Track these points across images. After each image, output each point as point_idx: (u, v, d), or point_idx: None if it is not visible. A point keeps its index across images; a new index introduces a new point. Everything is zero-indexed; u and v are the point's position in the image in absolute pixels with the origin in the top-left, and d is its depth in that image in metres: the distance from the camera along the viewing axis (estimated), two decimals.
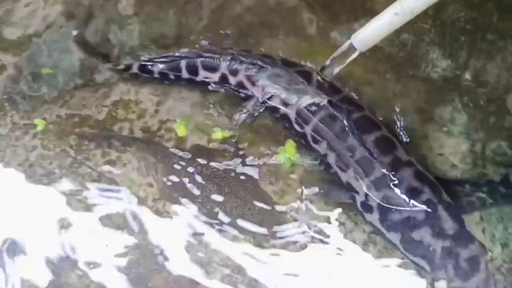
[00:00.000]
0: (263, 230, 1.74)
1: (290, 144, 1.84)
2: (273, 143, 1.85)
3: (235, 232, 1.74)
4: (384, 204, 1.57)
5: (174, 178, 1.84)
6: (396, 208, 1.55)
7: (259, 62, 1.83)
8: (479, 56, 1.99)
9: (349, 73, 1.96)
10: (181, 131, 1.91)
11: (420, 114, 1.90)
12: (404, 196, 1.55)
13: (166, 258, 1.71)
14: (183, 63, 1.93)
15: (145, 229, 1.76)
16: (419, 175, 1.59)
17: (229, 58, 1.86)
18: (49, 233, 1.76)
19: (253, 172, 1.83)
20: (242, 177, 1.82)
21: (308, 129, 1.74)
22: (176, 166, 1.86)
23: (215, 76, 1.90)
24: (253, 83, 1.84)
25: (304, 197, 1.78)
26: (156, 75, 1.98)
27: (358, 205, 1.65)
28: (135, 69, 1.99)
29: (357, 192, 1.64)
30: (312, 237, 1.73)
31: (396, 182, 1.57)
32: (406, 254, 1.57)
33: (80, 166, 1.86)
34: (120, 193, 1.82)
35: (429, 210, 1.52)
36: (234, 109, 1.92)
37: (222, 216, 1.76)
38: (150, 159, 1.88)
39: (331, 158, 1.70)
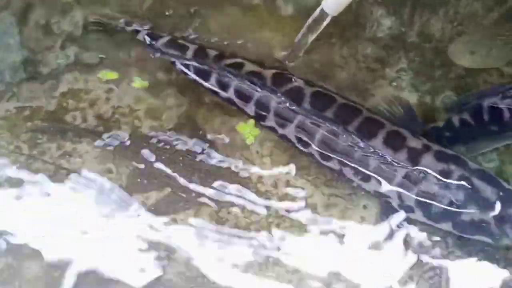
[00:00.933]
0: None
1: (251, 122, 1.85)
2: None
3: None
4: (422, 200, 1.56)
5: (135, 164, 1.83)
6: (435, 199, 1.54)
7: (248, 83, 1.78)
8: (423, 11, 2.01)
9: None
10: (137, 84, 1.95)
11: (370, 73, 1.92)
12: (437, 185, 1.53)
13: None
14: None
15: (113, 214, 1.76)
16: (440, 156, 1.56)
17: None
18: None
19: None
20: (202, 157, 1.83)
21: (313, 149, 1.69)
22: (134, 152, 1.84)
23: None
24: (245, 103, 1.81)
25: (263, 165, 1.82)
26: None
27: (397, 208, 1.63)
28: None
29: (389, 197, 1.62)
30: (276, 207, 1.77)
31: (423, 174, 1.55)
32: (465, 236, 1.58)
33: (35, 161, 1.84)
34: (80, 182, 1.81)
35: (466, 186, 1.51)
36: None
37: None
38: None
39: (348, 173, 1.65)
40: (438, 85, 1.89)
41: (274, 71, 1.80)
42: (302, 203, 1.75)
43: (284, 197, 1.77)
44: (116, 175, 1.82)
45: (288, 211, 1.74)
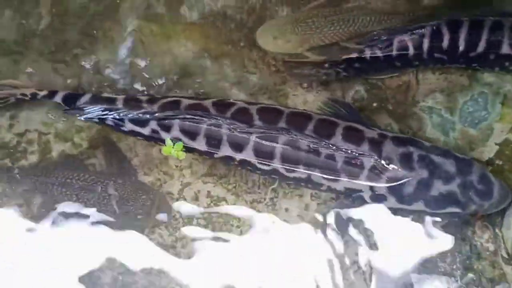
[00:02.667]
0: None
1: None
2: None
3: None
4: (392, 185, 1.58)
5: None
6: (404, 181, 1.58)
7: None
8: None
9: (203, 49, 1.95)
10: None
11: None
12: (402, 169, 1.57)
13: None
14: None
15: None
16: (397, 141, 1.62)
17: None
18: None
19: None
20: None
21: (276, 165, 1.65)
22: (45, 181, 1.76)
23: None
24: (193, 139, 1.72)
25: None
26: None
27: (369, 200, 1.65)
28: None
29: (360, 191, 1.63)
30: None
31: (387, 162, 1.58)
32: (436, 213, 1.62)
33: None
34: None
35: (427, 165, 1.57)
36: None
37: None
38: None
39: (315, 177, 1.63)
40: None
41: (212, 100, 1.74)
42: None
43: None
44: None
45: None
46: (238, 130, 1.64)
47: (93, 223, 1.72)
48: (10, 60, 1.94)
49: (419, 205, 1.60)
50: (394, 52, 1.81)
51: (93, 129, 1.85)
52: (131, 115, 1.73)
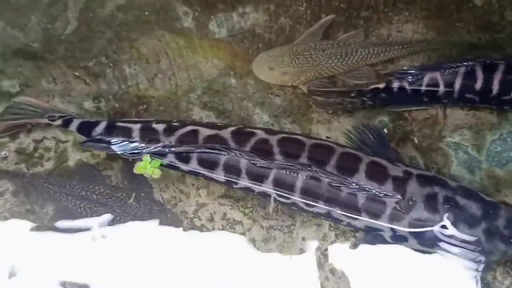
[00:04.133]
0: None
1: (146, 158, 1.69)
2: None
3: None
4: (415, 229, 1.52)
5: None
6: (427, 225, 1.52)
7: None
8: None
9: (229, 66, 1.92)
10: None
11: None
12: (426, 210, 1.51)
13: None
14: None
15: None
16: (422, 180, 1.55)
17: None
18: None
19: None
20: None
21: (296, 199, 1.59)
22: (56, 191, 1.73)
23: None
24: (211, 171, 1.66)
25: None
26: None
27: (389, 240, 1.58)
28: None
29: (381, 230, 1.56)
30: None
31: (411, 203, 1.52)
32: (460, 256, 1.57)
33: None
34: None
35: (453, 207, 1.51)
36: None
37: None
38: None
39: (336, 214, 1.57)
40: None
41: (230, 129, 1.66)
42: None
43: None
44: None
45: None
46: (258, 165, 1.58)
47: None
48: (34, 65, 1.92)
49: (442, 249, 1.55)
50: (423, 88, 1.77)
51: None
52: (149, 149, 1.67)
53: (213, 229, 1.73)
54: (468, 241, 1.52)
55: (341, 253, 1.68)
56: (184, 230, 1.71)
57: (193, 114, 1.88)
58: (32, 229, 1.70)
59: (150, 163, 1.65)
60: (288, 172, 1.57)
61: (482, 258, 1.56)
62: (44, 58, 1.94)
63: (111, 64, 1.93)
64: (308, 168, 1.55)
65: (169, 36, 1.97)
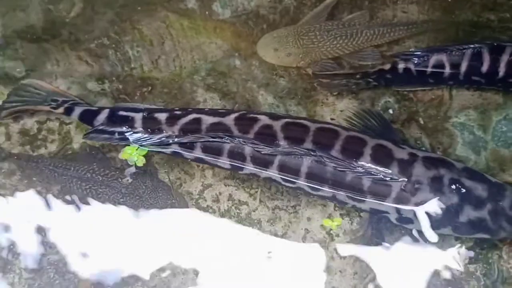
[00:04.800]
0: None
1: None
2: None
3: None
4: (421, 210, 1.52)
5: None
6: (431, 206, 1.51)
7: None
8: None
9: (234, 47, 1.91)
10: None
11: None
12: (432, 193, 1.51)
13: None
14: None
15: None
16: (428, 163, 1.54)
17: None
18: None
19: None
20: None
21: (302, 183, 1.58)
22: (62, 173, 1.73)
23: None
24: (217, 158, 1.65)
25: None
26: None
27: (395, 222, 1.58)
28: None
29: (387, 212, 1.57)
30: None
31: (417, 186, 1.51)
32: (464, 237, 1.58)
33: None
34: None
35: (458, 189, 1.51)
36: None
37: None
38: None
39: (342, 197, 1.56)
40: None
41: (233, 115, 1.64)
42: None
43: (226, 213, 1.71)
44: None
45: None
46: (262, 152, 1.56)
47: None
48: (38, 47, 1.91)
49: (447, 230, 1.55)
50: (429, 69, 1.76)
51: None
52: (152, 140, 1.65)
53: (219, 210, 1.73)
54: (474, 222, 1.52)
55: (345, 233, 1.69)
56: (190, 210, 1.71)
57: (197, 96, 1.87)
58: (37, 210, 1.70)
59: (136, 149, 1.65)
60: (293, 157, 1.55)
61: (488, 238, 1.57)
62: (47, 40, 1.92)
63: (113, 46, 1.92)
64: (313, 153, 1.54)
65: (173, 17, 1.95)
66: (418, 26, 1.87)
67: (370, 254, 1.65)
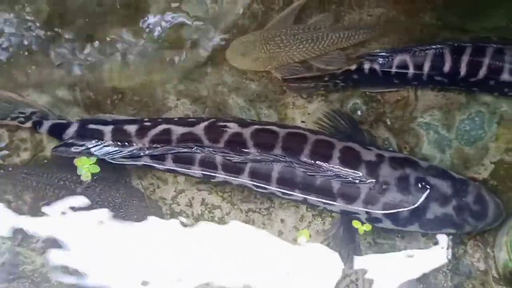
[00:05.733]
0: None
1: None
2: None
3: None
4: (388, 210, 1.56)
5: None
6: (400, 206, 1.56)
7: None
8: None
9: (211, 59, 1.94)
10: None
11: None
12: (399, 192, 1.56)
13: None
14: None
15: None
16: (394, 163, 1.59)
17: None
18: None
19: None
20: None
21: (273, 189, 1.62)
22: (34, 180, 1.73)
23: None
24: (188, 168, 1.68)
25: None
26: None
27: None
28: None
29: (357, 213, 1.60)
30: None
31: (384, 186, 1.56)
32: (432, 233, 1.63)
33: None
34: None
35: (424, 187, 1.56)
36: None
37: None
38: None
39: (313, 201, 1.61)
40: None
41: (203, 124, 1.66)
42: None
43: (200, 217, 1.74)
44: None
45: None
46: (233, 161, 1.59)
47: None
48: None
49: (414, 227, 1.60)
50: (393, 70, 1.81)
51: None
52: (122, 154, 1.66)
53: (192, 214, 1.75)
54: (440, 218, 1.58)
55: (318, 233, 1.73)
56: (163, 216, 1.73)
57: (168, 102, 1.88)
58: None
59: (87, 165, 1.66)
60: (263, 164, 1.59)
61: (453, 233, 1.63)
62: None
63: (84, 53, 1.91)
64: (282, 159, 1.57)
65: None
66: (381, 28, 1.92)
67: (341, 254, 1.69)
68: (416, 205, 1.56)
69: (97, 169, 1.67)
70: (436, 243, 1.69)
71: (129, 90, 1.89)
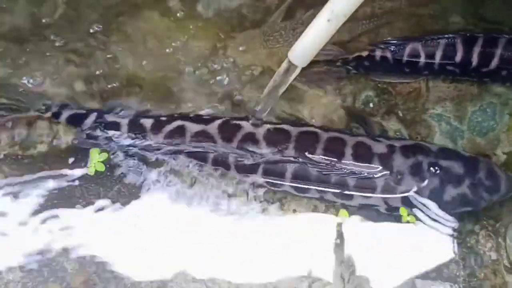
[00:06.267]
0: None
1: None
2: None
3: None
4: (409, 198, 1.61)
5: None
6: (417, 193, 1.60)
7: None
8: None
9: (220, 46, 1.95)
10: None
11: None
12: (414, 180, 1.60)
13: None
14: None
15: None
16: (405, 152, 1.63)
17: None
18: None
19: None
20: None
21: (287, 186, 1.67)
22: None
23: None
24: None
25: None
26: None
27: (385, 211, 1.67)
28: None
29: (377, 205, 1.65)
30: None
31: (399, 176, 1.59)
32: (453, 213, 1.65)
33: None
34: None
35: (437, 172, 1.60)
36: None
37: None
38: None
39: (330, 197, 1.66)
40: None
41: (217, 122, 1.70)
42: None
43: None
44: None
45: None
46: (247, 162, 1.63)
47: None
48: (24, 50, 1.92)
49: (432, 212, 1.63)
50: (405, 58, 1.83)
51: None
52: (138, 147, 1.70)
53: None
54: (457, 198, 1.61)
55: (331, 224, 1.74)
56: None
57: (182, 94, 1.90)
58: None
59: (99, 154, 1.70)
60: (277, 165, 1.63)
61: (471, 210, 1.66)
62: (32, 41, 1.93)
63: (100, 46, 1.94)
64: (297, 161, 1.61)
65: (157, 17, 1.98)
66: (380, 19, 1.92)
67: (355, 242, 1.71)
68: (432, 190, 1.59)
69: (102, 167, 1.71)
70: (448, 233, 1.70)
71: (145, 82, 1.92)
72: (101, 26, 1.96)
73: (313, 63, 1.80)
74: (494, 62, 1.77)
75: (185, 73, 1.93)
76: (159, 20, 1.98)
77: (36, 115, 1.78)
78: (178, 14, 1.99)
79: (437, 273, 1.67)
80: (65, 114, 1.77)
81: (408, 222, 1.66)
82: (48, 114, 1.77)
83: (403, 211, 1.65)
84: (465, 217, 1.70)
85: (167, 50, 1.94)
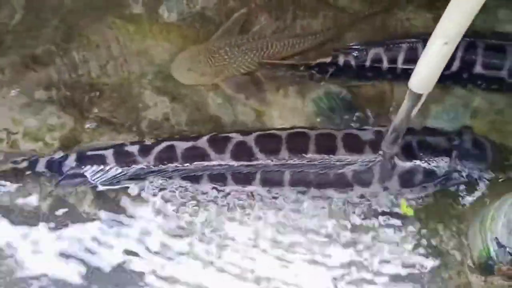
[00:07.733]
0: None
1: None
2: None
3: None
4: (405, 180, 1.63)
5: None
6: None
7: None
8: (304, 15, 2.04)
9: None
10: None
11: None
12: (407, 161, 1.62)
13: None
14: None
15: None
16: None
17: None
18: None
19: None
20: None
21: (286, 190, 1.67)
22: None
23: None
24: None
25: None
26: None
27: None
28: None
29: (377, 194, 1.67)
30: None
31: (393, 160, 1.61)
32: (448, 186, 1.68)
33: None
34: None
35: (427, 148, 1.63)
36: None
37: None
38: None
39: (331, 193, 1.67)
40: None
41: (206, 137, 1.66)
42: None
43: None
44: None
45: None
46: (243, 172, 1.62)
47: None
48: None
49: (430, 189, 1.67)
50: (368, 63, 1.84)
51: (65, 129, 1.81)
52: (129, 174, 1.63)
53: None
54: (450, 172, 1.64)
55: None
56: None
57: (145, 100, 1.88)
58: None
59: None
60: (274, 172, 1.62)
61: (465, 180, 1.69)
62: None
63: (60, 52, 1.91)
64: (291, 164, 1.61)
65: (119, 22, 1.95)
66: (325, 34, 1.93)
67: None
68: (425, 167, 1.62)
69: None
70: (413, 234, 1.71)
71: (107, 87, 1.89)
72: (62, 32, 1.92)
73: (277, 65, 1.83)
74: (455, 65, 1.79)
75: (147, 77, 1.90)
76: (121, 25, 1.95)
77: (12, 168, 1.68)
78: (140, 18, 1.95)
79: (401, 274, 1.67)
80: (42, 162, 1.67)
81: (405, 214, 1.67)
82: (24, 164, 1.67)
83: (402, 202, 1.67)
84: (428, 217, 1.70)
85: (129, 55, 1.91)
